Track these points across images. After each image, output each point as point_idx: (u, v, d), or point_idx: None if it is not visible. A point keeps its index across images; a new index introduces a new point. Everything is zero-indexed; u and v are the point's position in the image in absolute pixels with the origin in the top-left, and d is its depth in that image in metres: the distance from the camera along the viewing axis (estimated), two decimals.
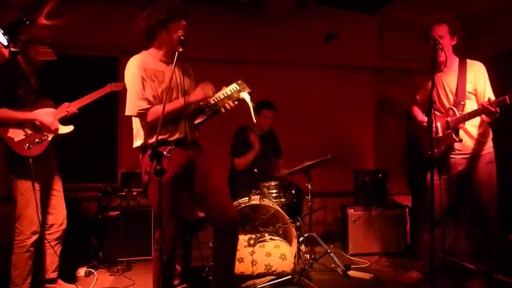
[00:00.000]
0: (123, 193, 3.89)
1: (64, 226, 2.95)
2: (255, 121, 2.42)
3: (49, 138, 2.81)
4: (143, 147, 2.34)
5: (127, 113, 2.31)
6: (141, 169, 2.40)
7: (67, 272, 3.09)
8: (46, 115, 2.79)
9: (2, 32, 3.58)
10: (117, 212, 3.78)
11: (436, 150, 2.55)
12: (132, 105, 2.27)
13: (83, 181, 4.18)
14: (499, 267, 2.92)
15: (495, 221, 2.83)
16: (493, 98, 2.82)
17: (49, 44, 2.85)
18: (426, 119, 3.02)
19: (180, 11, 2.27)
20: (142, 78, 2.26)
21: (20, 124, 2.70)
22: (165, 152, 2.19)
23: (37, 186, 2.72)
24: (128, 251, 3.67)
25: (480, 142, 2.87)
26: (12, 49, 3.99)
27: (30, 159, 2.65)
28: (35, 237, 2.72)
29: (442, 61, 2.85)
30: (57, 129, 2.85)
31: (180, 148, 2.30)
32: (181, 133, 2.32)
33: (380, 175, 4.33)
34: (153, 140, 2.27)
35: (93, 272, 3.38)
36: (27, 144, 2.68)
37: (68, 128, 2.92)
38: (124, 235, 3.69)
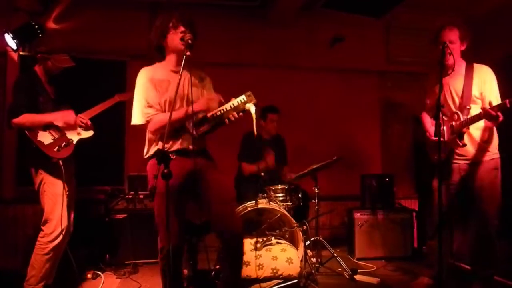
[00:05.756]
0: (130, 196, 3.91)
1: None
2: (256, 133, 2.37)
3: (74, 142, 2.88)
4: (150, 157, 2.38)
5: (133, 122, 2.34)
6: (147, 175, 2.39)
7: (73, 275, 3.09)
8: (66, 115, 2.86)
9: (12, 36, 3.63)
10: (124, 215, 3.80)
11: (442, 154, 2.55)
12: (139, 114, 2.31)
13: (90, 183, 4.19)
14: (501, 270, 2.91)
15: (495, 227, 2.79)
16: (498, 102, 2.80)
17: (66, 51, 2.93)
18: (432, 129, 3.02)
19: (177, 19, 2.30)
20: (147, 88, 2.32)
21: (45, 128, 2.77)
22: None
23: (65, 189, 2.76)
24: (135, 253, 3.68)
25: (482, 147, 2.83)
26: (21, 53, 4.06)
27: (61, 161, 2.71)
28: (58, 240, 2.75)
29: (450, 65, 2.84)
30: (78, 124, 2.91)
31: (182, 158, 2.30)
32: (182, 144, 2.33)
33: (386, 179, 4.31)
34: (156, 148, 2.31)
35: (99, 274, 3.40)
36: (57, 147, 2.76)
37: (89, 133, 2.99)
38: (130, 238, 3.71)
